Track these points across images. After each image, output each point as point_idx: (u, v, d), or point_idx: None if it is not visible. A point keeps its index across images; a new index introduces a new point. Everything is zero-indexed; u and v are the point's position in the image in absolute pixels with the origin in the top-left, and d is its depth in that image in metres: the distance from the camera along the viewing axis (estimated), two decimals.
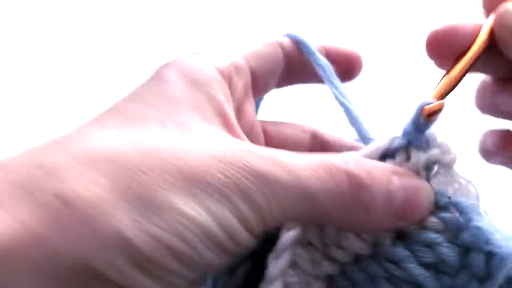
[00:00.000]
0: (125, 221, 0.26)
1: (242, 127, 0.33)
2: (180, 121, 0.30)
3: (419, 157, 0.32)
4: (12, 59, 0.71)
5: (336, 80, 0.37)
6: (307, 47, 0.38)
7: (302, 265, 0.31)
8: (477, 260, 0.30)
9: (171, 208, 0.26)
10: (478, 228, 0.30)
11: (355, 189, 0.29)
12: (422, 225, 0.31)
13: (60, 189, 0.26)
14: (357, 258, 0.32)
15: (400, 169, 0.32)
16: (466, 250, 0.30)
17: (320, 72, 0.37)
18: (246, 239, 0.28)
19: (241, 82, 0.35)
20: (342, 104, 0.36)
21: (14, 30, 0.75)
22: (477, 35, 0.35)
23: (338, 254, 0.32)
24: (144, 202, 0.26)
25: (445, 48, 0.35)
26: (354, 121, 0.36)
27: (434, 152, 0.33)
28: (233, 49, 0.36)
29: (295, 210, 0.29)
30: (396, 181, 0.30)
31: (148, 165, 0.27)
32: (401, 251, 0.31)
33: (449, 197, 0.32)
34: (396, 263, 0.31)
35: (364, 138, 0.35)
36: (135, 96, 0.32)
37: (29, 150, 0.28)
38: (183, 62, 0.34)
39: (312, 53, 0.37)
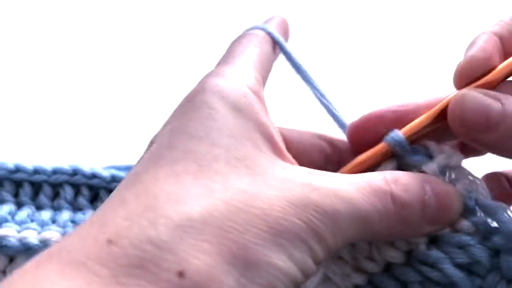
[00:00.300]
0: (234, 286, 0.27)
1: None
2: (243, 158, 0.31)
3: (431, 168, 0.34)
4: (12, 59, 0.72)
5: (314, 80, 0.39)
6: (283, 47, 0.39)
7: (333, 279, 0.34)
8: (507, 261, 0.31)
9: (266, 263, 0.28)
10: (507, 230, 0.32)
11: (398, 208, 0.31)
12: (454, 228, 0.33)
13: (176, 264, 0.27)
14: (387, 267, 0.33)
15: (430, 177, 0.33)
16: (496, 252, 0.32)
17: (299, 74, 0.39)
18: (314, 271, 0.30)
19: (263, 95, 0.36)
20: (325, 106, 0.39)
21: (14, 30, 0.75)
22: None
23: (369, 266, 0.33)
24: (243, 262, 0.28)
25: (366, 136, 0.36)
26: (339, 121, 0.38)
27: (440, 158, 0.34)
28: (242, 58, 0.37)
29: (352, 235, 0.31)
30: (428, 189, 0.32)
31: (238, 221, 0.28)
32: (436, 253, 0.32)
33: (476, 199, 0.33)
34: (431, 265, 0.32)
35: (338, 122, 0.38)
36: (187, 130, 0.32)
37: (127, 218, 0.28)
38: (218, 86, 0.33)
39: (288, 53, 0.40)
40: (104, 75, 0.69)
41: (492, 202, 0.33)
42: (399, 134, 0.34)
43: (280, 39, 0.39)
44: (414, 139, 0.34)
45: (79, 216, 0.49)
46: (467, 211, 0.33)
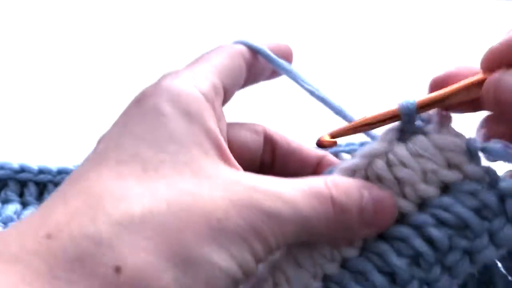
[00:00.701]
0: (171, 283, 0.28)
1: None
2: (190, 162, 0.31)
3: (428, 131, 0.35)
4: (18, 58, 0.72)
5: (304, 78, 0.40)
6: (266, 54, 0.40)
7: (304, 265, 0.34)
8: None
9: (207, 262, 0.28)
10: None
11: (338, 212, 0.32)
12: (464, 174, 0.34)
13: (113, 260, 0.27)
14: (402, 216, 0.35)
15: (368, 183, 0.35)
16: (502, 196, 0.33)
17: (288, 76, 0.40)
18: (255, 270, 0.30)
19: (219, 104, 0.36)
20: (321, 99, 0.39)
21: (18, 31, 0.76)
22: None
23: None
24: (184, 260, 0.28)
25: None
26: (335, 109, 0.39)
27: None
28: (204, 64, 0.37)
29: (293, 236, 0.32)
30: (366, 195, 0.34)
31: (180, 220, 0.29)
32: (448, 199, 0.34)
33: (481, 145, 0.34)
34: (444, 209, 0.34)
35: (343, 115, 0.38)
36: (135, 133, 0.32)
37: (68, 213, 0.28)
38: (171, 89, 0.34)
39: (273, 60, 0.40)
40: (110, 78, 0.69)
41: (496, 145, 0.34)
42: (413, 103, 0.35)
43: (265, 49, 0.39)
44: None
45: None
46: (474, 156, 0.34)
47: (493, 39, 0.36)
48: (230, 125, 0.39)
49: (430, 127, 0.35)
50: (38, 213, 0.29)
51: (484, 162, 0.35)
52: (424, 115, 0.36)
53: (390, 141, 0.35)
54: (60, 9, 0.78)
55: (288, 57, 0.41)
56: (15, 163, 0.51)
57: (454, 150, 0.34)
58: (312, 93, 0.39)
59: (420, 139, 0.34)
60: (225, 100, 0.38)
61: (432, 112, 0.36)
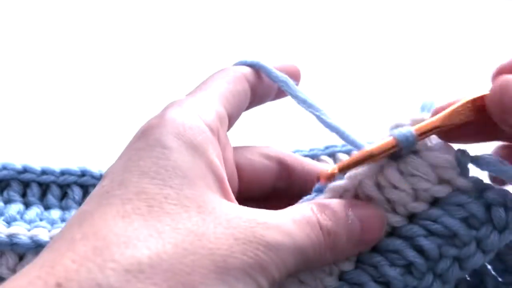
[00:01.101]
0: None
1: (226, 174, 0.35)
2: (194, 197, 0.32)
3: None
4: (21, 59, 0.72)
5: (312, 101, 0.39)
6: (271, 74, 0.39)
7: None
8: (498, 213, 0.35)
9: None
10: (500, 187, 0.35)
11: (327, 237, 0.33)
12: (453, 186, 0.35)
13: None
14: (393, 230, 0.36)
15: (353, 201, 0.35)
16: (488, 206, 0.35)
17: (295, 99, 0.39)
18: None
19: (223, 131, 0.36)
20: (326, 124, 0.39)
21: (22, 32, 0.76)
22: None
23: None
24: None
25: None
26: (332, 128, 0.39)
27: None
28: (208, 92, 0.37)
29: (293, 267, 0.32)
30: (351, 214, 0.34)
31: (186, 263, 0.29)
32: (436, 211, 0.35)
33: (471, 157, 0.36)
34: (434, 220, 0.35)
35: (349, 141, 0.38)
36: (140, 167, 0.32)
37: (76, 260, 0.28)
38: (176, 121, 0.34)
39: (278, 79, 0.39)
40: (113, 79, 0.69)
41: (486, 156, 0.35)
42: (412, 133, 0.35)
43: (272, 69, 0.39)
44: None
45: None
46: (463, 169, 0.36)
47: (496, 42, 0.36)
48: (242, 150, 0.40)
49: (420, 144, 0.36)
50: (47, 256, 0.29)
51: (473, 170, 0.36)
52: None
53: (380, 165, 0.36)
54: (63, 11, 0.78)
55: (295, 77, 0.41)
56: (18, 164, 0.51)
57: (446, 166, 0.35)
58: (318, 117, 0.39)
59: (411, 158, 0.35)
60: (229, 125, 0.38)
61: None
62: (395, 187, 0.36)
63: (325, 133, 0.39)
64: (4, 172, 0.51)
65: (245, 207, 0.33)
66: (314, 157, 0.54)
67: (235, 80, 0.38)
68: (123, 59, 0.72)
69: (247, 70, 0.39)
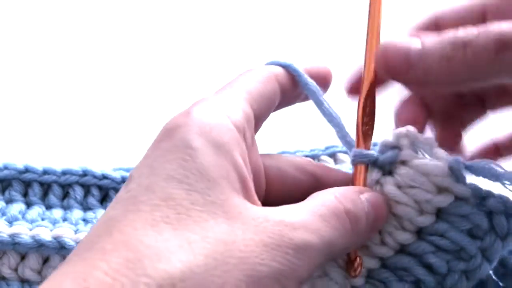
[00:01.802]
0: None
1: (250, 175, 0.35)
2: (220, 202, 0.31)
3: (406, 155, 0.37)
4: (22, 59, 0.72)
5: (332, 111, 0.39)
6: (301, 79, 0.39)
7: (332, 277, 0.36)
8: (500, 221, 0.35)
9: None
10: (499, 194, 0.35)
11: (354, 224, 0.34)
12: (453, 195, 0.35)
13: None
14: (402, 248, 0.36)
15: (363, 187, 0.36)
16: (489, 213, 0.35)
17: (320, 111, 0.39)
18: None
19: (250, 132, 0.36)
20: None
21: (23, 32, 0.76)
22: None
23: (382, 251, 0.36)
24: None
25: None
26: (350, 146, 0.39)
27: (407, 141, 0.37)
28: (237, 90, 0.36)
29: (321, 262, 0.33)
30: (364, 199, 0.35)
31: (217, 274, 0.29)
32: (442, 225, 0.35)
33: (464, 163, 0.36)
34: (441, 235, 0.35)
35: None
36: (166, 170, 0.32)
37: (109, 273, 0.28)
38: (202, 120, 0.33)
39: (307, 85, 0.39)
40: (114, 79, 0.69)
41: (480, 163, 0.35)
42: (360, 151, 0.37)
43: (302, 74, 0.39)
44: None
45: (89, 214, 0.50)
46: (459, 176, 0.35)
47: None
48: (273, 159, 0.39)
49: (405, 155, 0.36)
50: (78, 266, 0.29)
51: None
52: (391, 142, 0.37)
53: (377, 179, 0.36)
54: (63, 11, 0.78)
55: (326, 80, 0.40)
56: (20, 164, 0.52)
57: (439, 174, 0.35)
58: (337, 133, 0.39)
59: (403, 170, 0.36)
60: (257, 126, 0.37)
61: (399, 137, 0.36)
62: (398, 202, 0.36)
63: (325, 134, 0.39)
64: (6, 172, 0.51)
65: (270, 208, 0.33)
66: (315, 157, 0.54)
67: (265, 80, 0.37)
68: (124, 59, 0.72)
69: (279, 71, 0.38)
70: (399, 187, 0.36)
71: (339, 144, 0.55)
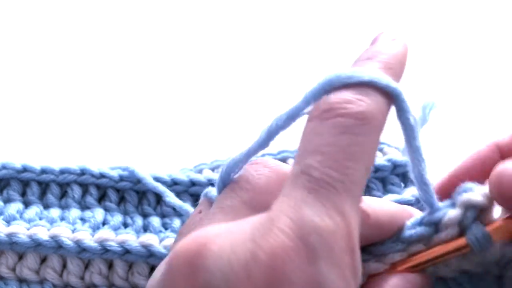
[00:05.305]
0: None
1: None
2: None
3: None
4: (20, 58, 0.72)
5: None
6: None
7: None
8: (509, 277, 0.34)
9: None
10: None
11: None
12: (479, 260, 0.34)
13: None
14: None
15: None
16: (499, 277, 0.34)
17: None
18: None
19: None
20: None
21: (24, 31, 0.76)
22: None
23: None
24: None
25: None
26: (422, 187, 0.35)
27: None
28: None
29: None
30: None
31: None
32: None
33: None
34: None
35: (430, 205, 0.35)
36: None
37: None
38: (227, 250, 0.29)
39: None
40: (113, 78, 0.69)
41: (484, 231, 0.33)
42: (484, 231, 0.33)
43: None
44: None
45: (87, 213, 0.49)
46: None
47: (498, 41, 0.36)
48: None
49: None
50: None
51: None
52: None
53: None
54: (63, 11, 0.78)
55: None
56: (18, 163, 0.51)
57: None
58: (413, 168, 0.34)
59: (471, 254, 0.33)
60: None
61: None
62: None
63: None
64: (4, 171, 0.51)
65: None
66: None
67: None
68: (123, 59, 0.72)
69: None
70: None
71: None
